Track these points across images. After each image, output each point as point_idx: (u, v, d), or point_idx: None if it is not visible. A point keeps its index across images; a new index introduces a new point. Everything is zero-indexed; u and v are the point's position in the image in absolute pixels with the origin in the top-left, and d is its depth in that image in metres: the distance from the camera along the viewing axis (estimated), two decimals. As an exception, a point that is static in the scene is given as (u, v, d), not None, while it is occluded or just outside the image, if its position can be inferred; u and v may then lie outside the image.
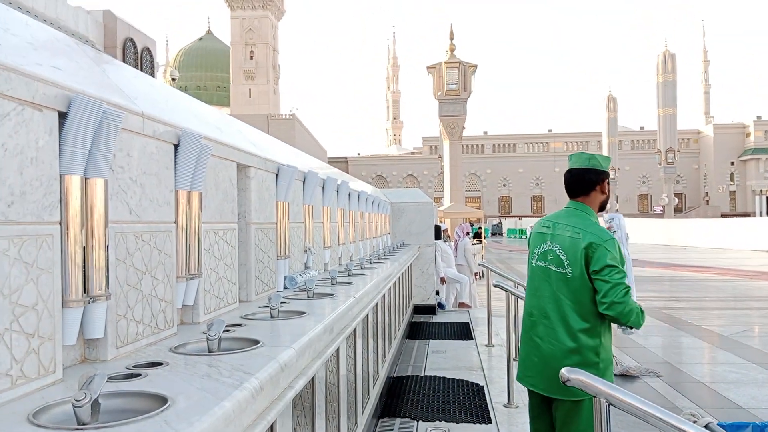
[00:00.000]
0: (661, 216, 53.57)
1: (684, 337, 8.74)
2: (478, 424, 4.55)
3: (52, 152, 1.57)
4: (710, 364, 7.17)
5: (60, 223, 1.59)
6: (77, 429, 1.17)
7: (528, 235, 3.06)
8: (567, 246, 2.72)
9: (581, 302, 2.67)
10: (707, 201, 68.10)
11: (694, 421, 2.07)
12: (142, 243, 2.01)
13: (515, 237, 49.99)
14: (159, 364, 1.72)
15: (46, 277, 1.51)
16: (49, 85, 1.56)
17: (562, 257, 2.71)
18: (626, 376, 6.37)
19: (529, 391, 2.87)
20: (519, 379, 2.91)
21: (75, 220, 1.62)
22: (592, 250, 2.64)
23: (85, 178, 1.67)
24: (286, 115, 60.79)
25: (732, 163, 68.48)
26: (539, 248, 2.83)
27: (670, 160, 52.91)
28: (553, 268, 2.74)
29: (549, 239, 2.79)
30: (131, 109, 1.96)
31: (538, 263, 2.82)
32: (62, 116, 1.62)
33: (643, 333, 8.82)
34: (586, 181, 2.86)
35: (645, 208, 69.84)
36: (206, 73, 73.97)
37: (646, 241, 40.02)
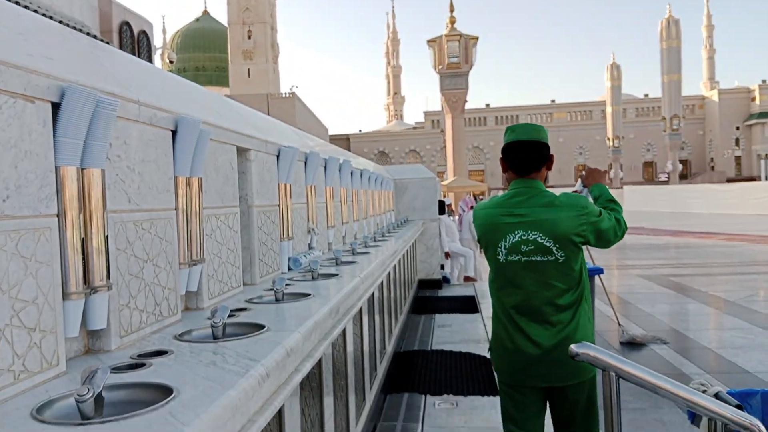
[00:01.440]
0: (666, 183, 53.33)
1: (690, 303, 8.75)
2: (485, 396, 4.58)
3: (46, 144, 1.55)
4: (717, 330, 7.18)
5: (57, 216, 1.58)
6: (81, 424, 1.17)
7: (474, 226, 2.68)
8: (549, 230, 2.41)
9: (573, 277, 2.47)
10: (712, 167, 67.62)
11: (704, 391, 2.07)
12: (142, 231, 2.00)
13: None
14: (164, 352, 1.72)
15: (45, 271, 1.50)
16: (41, 75, 1.54)
17: (547, 243, 2.41)
18: (633, 345, 6.39)
19: (527, 390, 2.52)
20: (517, 381, 2.52)
21: (72, 211, 1.61)
22: (583, 222, 2.43)
23: (81, 169, 1.65)
24: (285, 93, 60.36)
25: (737, 128, 67.80)
26: (505, 241, 2.46)
27: (674, 127, 52.43)
28: (537, 258, 2.42)
29: (519, 228, 2.44)
30: (126, 96, 1.94)
31: (510, 258, 2.46)
32: (56, 107, 1.59)
33: (650, 300, 8.84)
34: (541, 156, 2.55)
35: (650, 175, 69.39)
36: (204, 54, 73.34)
37: (651, 208, 39.90)
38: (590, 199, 2.76)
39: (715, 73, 76.13)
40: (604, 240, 2.51)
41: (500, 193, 2.81)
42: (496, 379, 2.70)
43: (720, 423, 1.84)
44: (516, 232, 2.44)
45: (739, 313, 7.79)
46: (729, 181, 53.96)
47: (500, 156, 2.66)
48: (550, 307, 2.44)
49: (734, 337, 6.61)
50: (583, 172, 2.99)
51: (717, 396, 2.05)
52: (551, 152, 2.65)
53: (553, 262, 2.43)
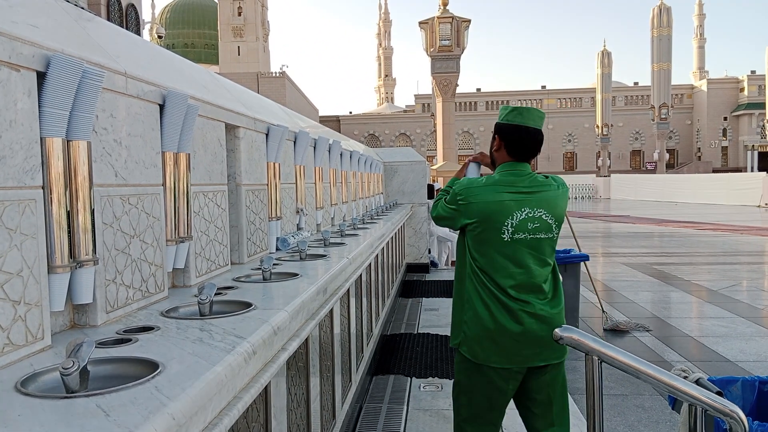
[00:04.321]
0: (653, 172, 53.65)
1: (673, 291, 8.85)
2: (471, 380, 4.61)
3: (31, 114, 1.52)
4: (699, 319, 7.28)
5: (43, 188, 1.55)
6: (66, 397, 1.16)
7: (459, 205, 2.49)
8: (552, 208, 2.44)
9: (553, 253, 2.52)
10: (699, 157, 68.06)
11: (685, 377, 2.09)
12: (129, 206, 1.97)
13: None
14: (150, 328, 1.71)
15: (30, 243, 1.48)
16: (26, 44, 1.50)
17: (550, 221, 2.43)
18: (616, 331, 6.47)
19: (512, 375, 2.44)
20: (515, 363, 2.41)
21: (58, 183, 1.58)
22: (567, 199, 2.56)
23: (67, 141, 1.62)
24: (276, 73, 59.85)
25: (725, 119, 68.18)
26: (512, 219, 2.38)
27: (663, 116, 52.53)
28: (542, 236, 2.42)
29: (526, 206, 2.40)
30: (113, 68, 1.90)
31: (517, 236, 2.39)
32: (41, 76, 1.56)
33: (634, 288, 8.93)
34: (541, 144, 2.53)
35: (637, 164, 69.71)
36: (194, 30, 72.43)
37: (637, 197, 40.19)
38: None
39: (705, 63, 76.46)
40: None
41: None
42: (478, 370, 2.47)
43: (700, 409, 1.86)
44: (523, 210, 2.39)
45: (721, 303, 7.90)
46: (715, 171, 54.43)
47: (495, 133, 2.54)
48: (545, 284, 2.44)
49: (716, 325, 6.71)
50: (472, 157, 2.93)
51: (698, 382, 2.07)
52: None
53: (550, 239, 2.45)
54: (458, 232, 2.62)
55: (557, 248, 7.29)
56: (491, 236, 2.42)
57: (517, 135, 2.47)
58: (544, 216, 2.41)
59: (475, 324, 2.45)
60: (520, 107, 2.51)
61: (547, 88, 74.38)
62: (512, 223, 2.39)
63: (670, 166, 62.51)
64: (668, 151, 59.88)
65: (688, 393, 1.83)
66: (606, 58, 55.81)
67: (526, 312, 2.39)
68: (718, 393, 1.97)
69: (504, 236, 2.40)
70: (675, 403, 2.31)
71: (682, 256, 12.93)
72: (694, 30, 76.47)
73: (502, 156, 2.53)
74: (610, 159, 56.77)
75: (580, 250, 6.89)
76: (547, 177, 2.53)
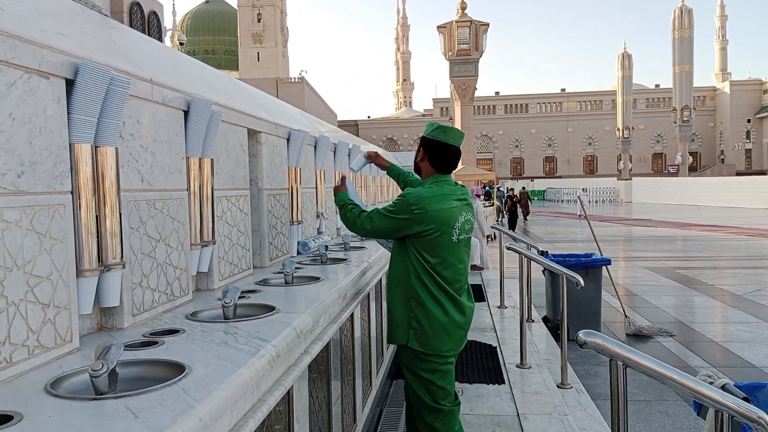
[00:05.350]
0: (675, 175, 52.95)
1: (697, 296, 8.72)
2: (491, 384, 4.59)
3: (60, 121, 1.55)
4: (723, 324, 7.16)
5: (72, 193, 1.58)
6: (95, 399, 1.18)
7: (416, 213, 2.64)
8: (473, 211, 2.89)
9: None
10: (722, 159, 67.04)
11: (711, 383, 2.07)
12: (155, 211, 2.00)
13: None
14: (176, 331, 1.73)
15: (59, 247, 1.51)
16: (55, 51, 1.53)
17: (474, 222, 2.89)
18: (639, 336, 6.39)
19: (455, 359, 2.83)
20: (456, 351, 2.78)
21: (87, 189, 1.61)
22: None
23: (95, 147, 1.65)
24: (295, 78, 60.21)
25: (748, 121, 67.12)
26: (458, 223, 2.72)
27: (685, 119, 51.86)
28: (470, 236, 2.87)
29: (464, 211, 2.76)
30: (139, 75, 1.93)
31: (460, 237, 2.74)
32: (69, 84, 1.59)
33: (656, 292, 8.82)
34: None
35: (659, 167, 68.88)
36: (214, 36, 73.14)
37: (659, 200, 39.71)
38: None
39: (727, 65, 75.37)
40: None
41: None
42: (432, 360, 2.73)
43: (727, 415, 1.83)
44: (462, 214, 2.75)
45: (745, 307, 7.77)
46: (739, 174, 53.55)
47: (421, 146, 2.84)
48: (468, 275, 2.86)
49: (741, 330, 6.59)
50: (366, 153, 3.37)
51: (724, 388, 2.05)
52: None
53: (471, 237, 2.86)
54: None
55: (578, 252, 7.25)
56: (444, 239, 2.70)
57: (439, 151, 2.79)
58: (471, 218, 2.84)
59: (426, 319, 2.70)
60: (444, 126, 2.85)
61: (567, 90, 73.81)
62: (458, 227, 2.73)
63: (693, 169, 61.61)
64: (690, 153, 59.07)
65: (714, 399, 1.81)
66: (626, 60, 55.33)
67: (465, 303, 2.77)
68: (745, 399, 1.95)
69: (453, 238, 2.72)
70: (701, 409, 2.28)
71: (705, 260, 12.74)
72: (716, 31, 75.45)
73: (427, 167, 2.84)
74: (631, 162, 56.19)
75: (601, 254, 6.83)
76: (463, 186, 2.93)
